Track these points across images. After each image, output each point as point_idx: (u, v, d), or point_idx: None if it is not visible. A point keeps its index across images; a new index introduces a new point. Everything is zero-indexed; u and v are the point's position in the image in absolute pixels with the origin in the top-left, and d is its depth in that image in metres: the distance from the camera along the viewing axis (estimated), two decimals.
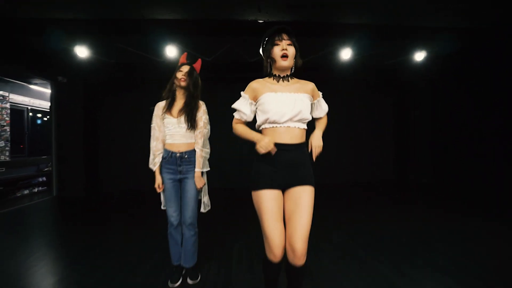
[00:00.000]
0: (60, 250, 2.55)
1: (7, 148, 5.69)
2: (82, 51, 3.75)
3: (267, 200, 1.26)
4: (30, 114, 6.66)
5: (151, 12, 2.95)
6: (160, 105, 1.88)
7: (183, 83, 1.81)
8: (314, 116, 1.45)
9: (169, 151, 1.84)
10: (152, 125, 1.88)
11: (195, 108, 1.83)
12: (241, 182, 5.31)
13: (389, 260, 2.20)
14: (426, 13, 3.29)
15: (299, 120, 1.30)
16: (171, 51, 3.82)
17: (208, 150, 1.92)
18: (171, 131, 1.83)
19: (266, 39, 1.34)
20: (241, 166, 5.62)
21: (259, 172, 1.31)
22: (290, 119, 1.27)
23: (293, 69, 1.37)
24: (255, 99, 1.35)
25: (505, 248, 2.39)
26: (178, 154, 1.82)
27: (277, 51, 1.29)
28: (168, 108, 1.83)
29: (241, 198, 4.71)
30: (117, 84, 5.62)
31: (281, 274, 1.33)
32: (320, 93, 1.45)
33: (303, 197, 1.27)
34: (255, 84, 1.35)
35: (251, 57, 4.42)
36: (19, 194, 5.70)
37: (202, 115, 1.87)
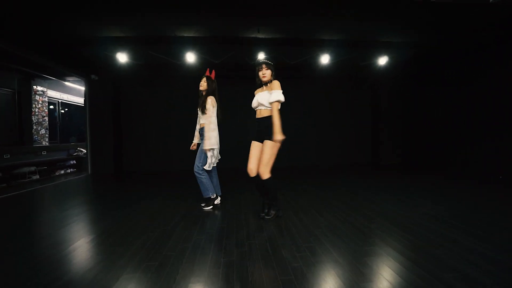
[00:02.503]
0: (99, 206, 3.73)
1: (46, 135, 6.80)
2: (122, 57, 4.88)
3: (252, 146, 2.66)
4: (63, 107, 7.73)
5: (181, 31, 4.10)
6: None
7: (201, 88, 3.08)
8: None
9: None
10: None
11: (204, 102, 3.00)
12: (242, 162, 6.54)
13: (341, 198, 3.45)
14: (381, 32, 4.48)
15: (260, 106, 2.58)
16: (190, 57, 4.97)
17: (211, 133, 2.96)
18: (199, 117, 3.12)
19: (258, 64, 2.65)
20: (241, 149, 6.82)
21: (255, 132, 2.70)
22: (256, 106, 2.62)
23: (272, 81, 2.61)
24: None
25: (443, 193, 3.67)
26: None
27: (260, 73, 2.62)
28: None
29: (239, 174, 5.90)
30: (141, 82, 6.73)
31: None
32: (276, 90, 2.50)
33: (264, 145, 2.54)
34: (256, 91, 2.74)
35: (251, 60, 5.59)
36: (57, 174, 6.85)
37: (208, 105, 3.00)
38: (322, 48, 5.13)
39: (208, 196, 3.07)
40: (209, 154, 2.99)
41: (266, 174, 2.50)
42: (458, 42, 4.87)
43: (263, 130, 2.56)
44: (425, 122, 6.52)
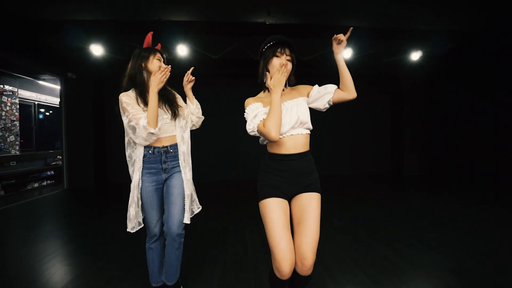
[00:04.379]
0: (61, 244, 2.78)
1: (17, 143, 5.85)
2: (97, 49, 3.94)
3: (274, 210, 1.20)
4: (41, 109, 6.78)
5: (168, 14, 3.16)
6: (131, 94, 1.47)
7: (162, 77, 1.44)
8: (333, 98, 1.33)
9: (151, 147, 1.50)
10: (132, 113, 1.40)
11: (172, 95, 1.56)
12: (244, 173, 5.59)
13: (384, 239, 2.50)
14: (420, 17, 3.56)
15: (300, 125, 1.26)
16: (182, 50, 4.03)
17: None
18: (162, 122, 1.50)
19: (268, 44, 1.26)
20: (244, 158, 5.87)
21: (266, 182, 1.27)
22: (292, 127, 1.24)
23: (287, 85, 1.32)
24: None
25: (486, 227, 2.73)
26: (163, 150, 1.51)
27: (276, 63, 1.24)
28: (143, 99, 1.46)
29: (240, 189, 4.96)
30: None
31: None
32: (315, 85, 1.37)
33: (311, 204, 1.23)
34: (253, 100, 1.31)
35: (256, 55, 4.65)
36: (29, 187, 5.89)
37: (183, 103, 1.62)
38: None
39: (179, 277, 1.60)
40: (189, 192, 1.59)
41: (313, 265, 1.17)
42: (504, 29, 3.95)
43: (303, 175, 1.27)
44: (456, 129, 5.60)
